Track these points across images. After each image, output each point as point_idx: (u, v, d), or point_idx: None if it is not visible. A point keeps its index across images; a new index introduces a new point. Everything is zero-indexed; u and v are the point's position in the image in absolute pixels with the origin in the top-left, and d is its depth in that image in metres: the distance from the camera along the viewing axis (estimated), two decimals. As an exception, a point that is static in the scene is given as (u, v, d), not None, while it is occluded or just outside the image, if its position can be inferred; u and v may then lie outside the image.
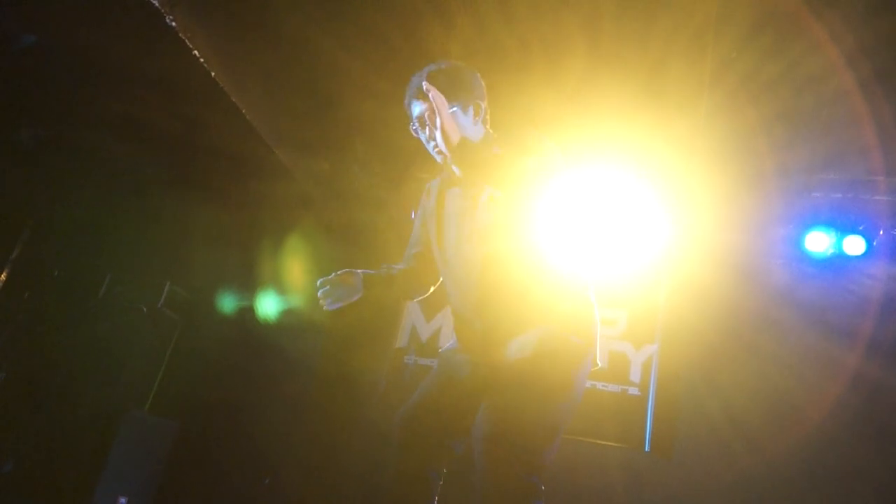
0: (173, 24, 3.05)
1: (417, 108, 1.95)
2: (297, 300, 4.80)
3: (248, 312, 4.77)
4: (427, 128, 1.93)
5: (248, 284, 4.74)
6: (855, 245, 4.08)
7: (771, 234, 4.32)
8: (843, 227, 4.13)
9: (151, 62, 3.53)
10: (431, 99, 1.73)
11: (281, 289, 4.82)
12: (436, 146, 1.91)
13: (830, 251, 4.12)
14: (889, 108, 3.64)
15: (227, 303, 4.78)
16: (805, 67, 3.53)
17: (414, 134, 2.01)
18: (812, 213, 4.21)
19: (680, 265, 4.43)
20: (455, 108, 1.92)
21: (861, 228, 4.13)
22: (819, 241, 4.13)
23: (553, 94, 3.76)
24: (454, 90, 1.92)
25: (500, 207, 1.82)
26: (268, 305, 4.76)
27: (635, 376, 4.25)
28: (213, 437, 4.33)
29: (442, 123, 1.72)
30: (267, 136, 3.90)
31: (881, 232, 4.13)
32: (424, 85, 1.78)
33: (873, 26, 3.19)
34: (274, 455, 4.29)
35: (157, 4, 3.01)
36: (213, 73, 3.39)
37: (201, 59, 3.32)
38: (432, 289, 2.22)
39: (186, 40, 3.15)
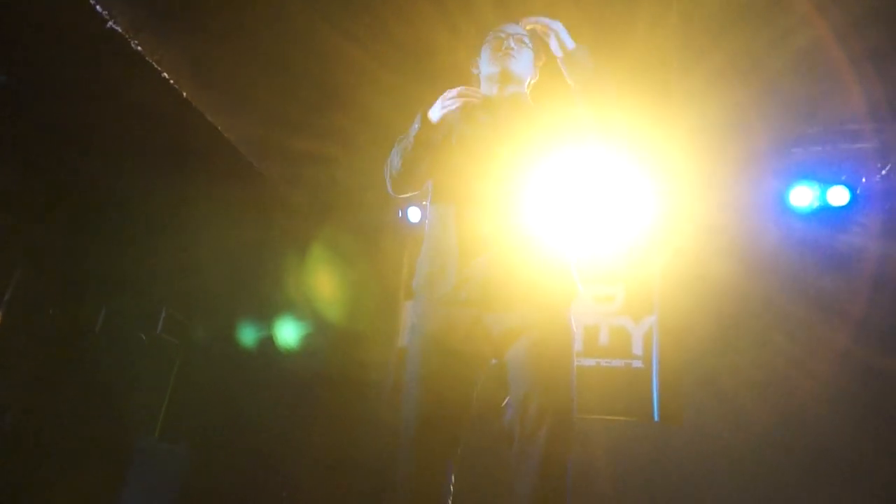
0: (139, 48, 3.06)
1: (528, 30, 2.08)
2: (297, 313, 4.81)
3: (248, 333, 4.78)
4: (525, 46, 2.08)
5: (244, 302, 4.75)
6: (839, 195, 4.11)
7: (755, 194, 4.34)
8: (826, 178, 4.16)
9: (123, 89, 3.54)
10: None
11: (280, 305, 4.83)
12: (512, 57, 2.06)
13: (815, 204, 4.15)
14: (864, 54, 3.64)
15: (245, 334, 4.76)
16: (777, 23, 3.53)
17: (506, 40, 2.09)
18: (794, 168, 4.24)
19: (671, 234, 4.45)
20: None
21: (844, 178, 4.16)
22: (803, 196, 4.16)
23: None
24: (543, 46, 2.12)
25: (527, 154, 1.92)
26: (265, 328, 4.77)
27: (637, 349, 4.27)
28: (225, 455, 4.33)
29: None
30: (250, 142, 3.89)
31: (863, 179, 4.17)
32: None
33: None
34: (287, 466, 4.29)
35: (120, 31, 3.03)
36: (185, 94, 3.40)
37: (171, 81, 3.34)
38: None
39: (154, 63, 3.17)
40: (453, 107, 1.89)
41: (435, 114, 1.91)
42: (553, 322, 1.81)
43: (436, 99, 1.98)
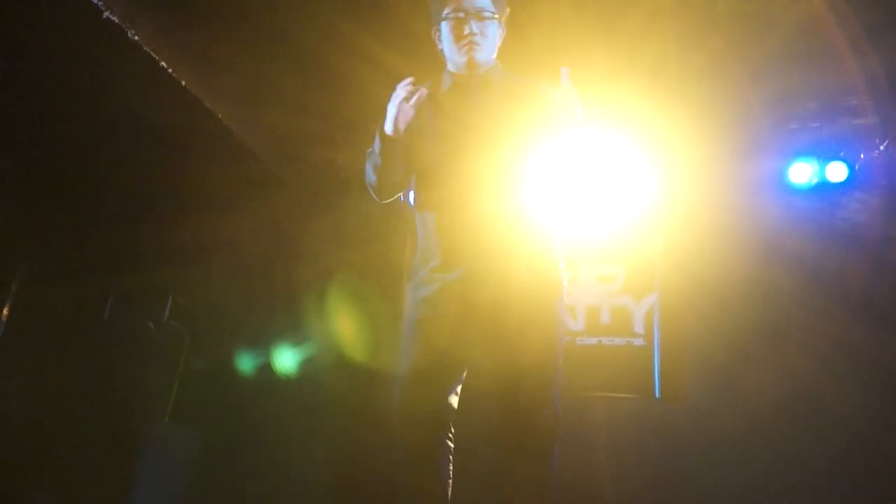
0: (136, 38, 3.06)
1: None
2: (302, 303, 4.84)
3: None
4: (490, 19, 1.87)
5: (250, 289, 4.78)
6: (837, 171, 4.12)
7: (754, 172, 4.34)
8: (824, 155, 4.17)
9: (121, 82, 3.54)
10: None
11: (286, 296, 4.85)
12: (478, 45, 1.84)
13: (814, 180, 4.17)
14: (861, 29, 3.62)
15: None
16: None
17: (467, 24, 1.86)
18: (792, 145, 4.24)
19: (670, 213, 4.47)
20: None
21: (842, 154, 4.17)
22: (802, 172, 4.17)
23: (528, 53, 3.70)
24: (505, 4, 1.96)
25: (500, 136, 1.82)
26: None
27: (639, 327, 4.33)
28: (234, 442, 4.40)
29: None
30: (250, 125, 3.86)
31: (862, 155, 4.18)
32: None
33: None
34: (295, 456, 4.36)
35: (117, 21, 3.02)
36: (183, 83, 3.40)
37: (170, 70, 3.34)
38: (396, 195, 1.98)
39: (152, 52, 3.17)
40: (406, 112, 1.77)
41: (388, 126, 1.78)
42: (537, 320, 1.77)
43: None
